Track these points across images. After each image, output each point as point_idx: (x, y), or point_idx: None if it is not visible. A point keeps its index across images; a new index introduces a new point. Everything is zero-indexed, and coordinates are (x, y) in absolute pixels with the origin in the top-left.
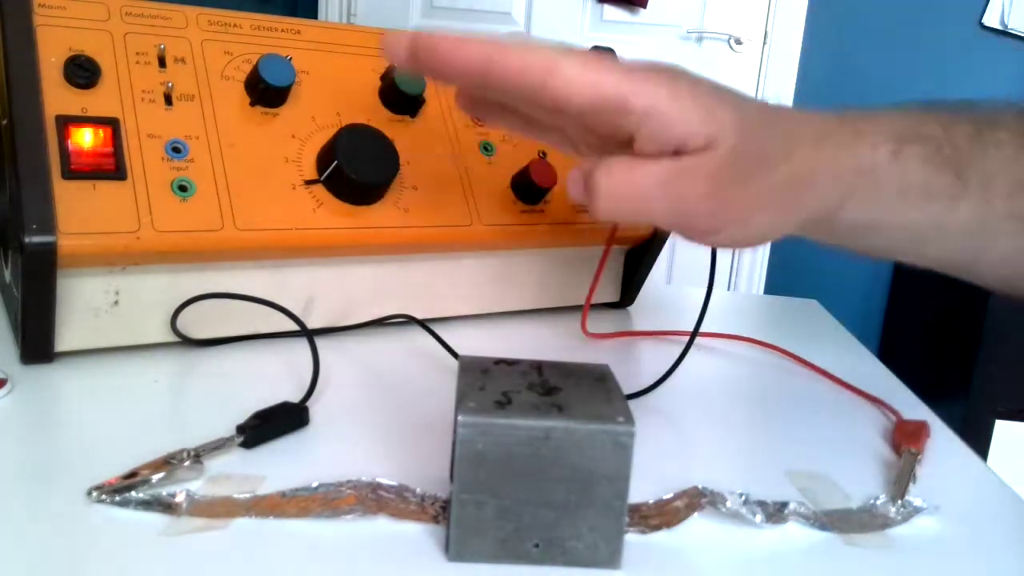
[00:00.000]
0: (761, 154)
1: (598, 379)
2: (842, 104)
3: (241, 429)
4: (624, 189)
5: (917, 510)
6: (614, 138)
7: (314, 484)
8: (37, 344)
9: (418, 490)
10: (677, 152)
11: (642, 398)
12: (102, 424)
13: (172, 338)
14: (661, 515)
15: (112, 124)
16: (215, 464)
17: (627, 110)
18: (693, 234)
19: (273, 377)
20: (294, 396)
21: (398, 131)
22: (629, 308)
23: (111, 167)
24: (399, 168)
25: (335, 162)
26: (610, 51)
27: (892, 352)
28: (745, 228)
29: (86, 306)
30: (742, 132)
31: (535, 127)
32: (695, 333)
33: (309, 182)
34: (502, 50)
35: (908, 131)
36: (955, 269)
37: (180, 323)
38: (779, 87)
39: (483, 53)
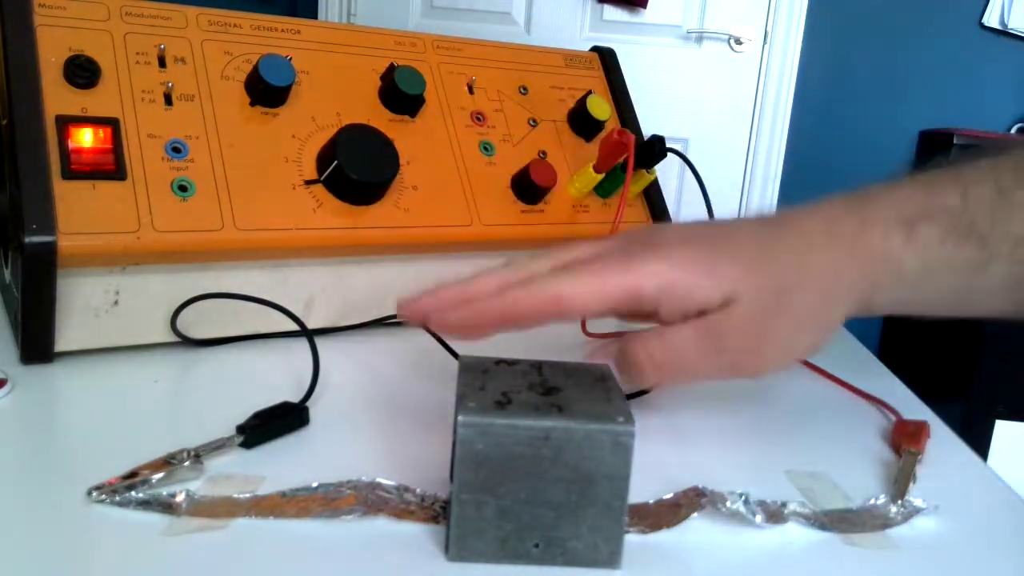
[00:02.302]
0: (780, 287)
1: (598, 379)
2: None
3: (241, 429)
4: (664, 357)
5: (917, 510)
6: (640, 316)
7: (314, 484)
8: (37, 344)
9: (418, 490)
10: (701, 313)
11: (642, 398)
12: (102, 424)
13: (172, 338)
14: (661, 515)
15: (112, 124)
16: (215, 464)
17: (641, 298)
18: (743, 375)
19: (273, 377)
20: (294, 396)
21: (398, 131)
22: None
23: (111, 167)
24: (399, 168)
25: (335, 162)
26: (610, 51)
27: (892, 352)
28: (791, 353)
29: (86, 306)
30: (754, 278)
31: None
32: None
33: (309, 182)
34: (511, 303)
35: (920, 208)
36: (1007, 317)
37: (180, 323)
38: (779, 87)
39: (495, 313)
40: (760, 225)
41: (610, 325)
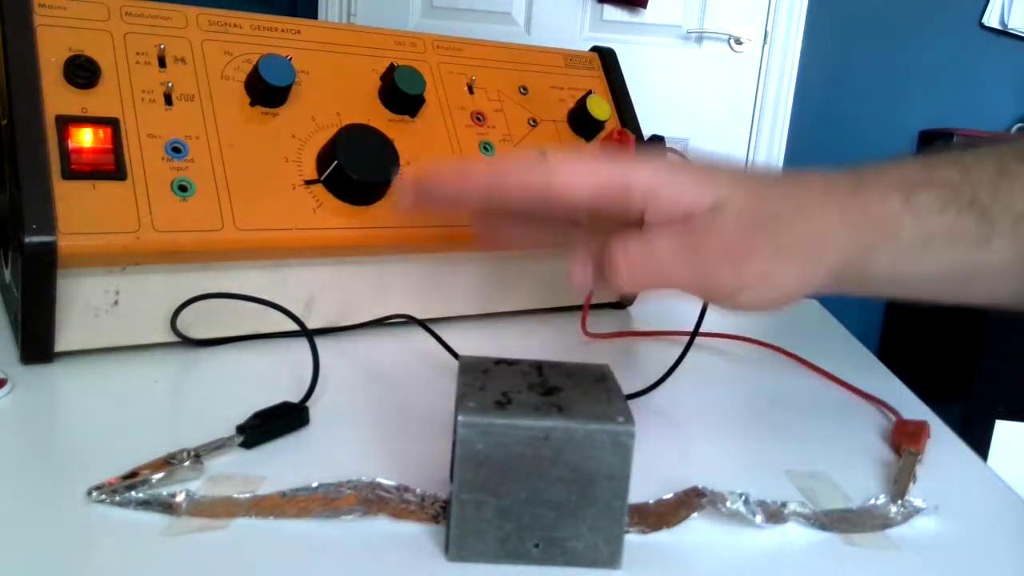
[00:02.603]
0: (772, 213)
1: (598, 379)
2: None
3: (241, 429)
4: (642, 258)
5: (917, 510)
6: (626, 221)
7: (314, 484)
8: (37, 344)
9: (418, 490)
10: (687, 220)
11: (642, 398)
12: (102, 424)
13: (172, 338)
14: (661, 515)
15: (112, 124)
16: (215, 464)
17: (629, 190)
18: (718, 295)
19: (273, 377)
20: (294, 396)
21: (398, 131)
22: (629, 308)
23: (111, 167)
24: (399, 168)
25: (335, 162)
26: (610, 51)
27: (892, 352)
28: (770, 283)
29: (86, 306)
30: (747, 194)
31: (552, 235)
32: (695, 333)
33: (309, 182)
34: (499, 171)
35: (919, 178)
36: (1010, 306)
37: (180, 323)
38: (779, 87)
39: (483, 180)
40: (768, 171)
41: (610, 325)
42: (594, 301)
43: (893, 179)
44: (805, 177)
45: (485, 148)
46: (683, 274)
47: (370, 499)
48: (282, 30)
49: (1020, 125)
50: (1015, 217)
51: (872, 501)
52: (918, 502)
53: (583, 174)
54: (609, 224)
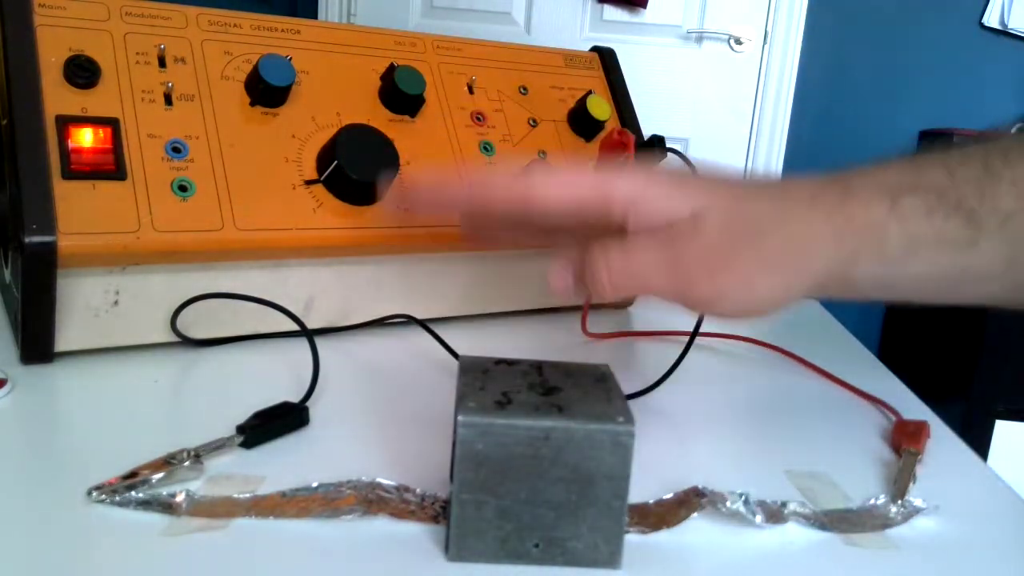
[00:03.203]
0: (754, 220)
1: (598, 379)
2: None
3: (241, 429)
4: (623, 267)
5: (917, 510)
6: (608, 229)
7: (314, 484)
8: (37, 344)
9: (418, 490)
10: (668, 229)
11: (642, 398)
12: (102, 424)
13: (172, 338)
14: (661, 515)
15: (112, 124)
16: (215, 464)
17: (610, 202)
18: (699, 303)
19: (273, 377)
20: (294, 396)
21: (398, 131)
22: (629, 308)
23: (111, 167)
24: (399, 168)
25: (335, 162)
26: (610, 51)
27: (892, 352)
28: (750, 291)
29: (86, 306)
30: (729, 203)
31: (538, 238)
32: (695, 333)
33: (309, 182)
34: (482, 182)
35: (904, 182)
36: (1002, 304)
37: (180, 323)
38: (779, 87)
39: (465, 191)
40: (752, 178)
41: (610, 325)
42: (594, 301)
43: (879, 184)
44: (789, 185)
45: (485, 148)
46: (663, 282)
47: (370, 499)
48: (282, 30)
49: (1020, 125)
50: (1001, 218)
51: (872, 501)
52: (918, 502)
53: (562, 187)
54: (591, 231)
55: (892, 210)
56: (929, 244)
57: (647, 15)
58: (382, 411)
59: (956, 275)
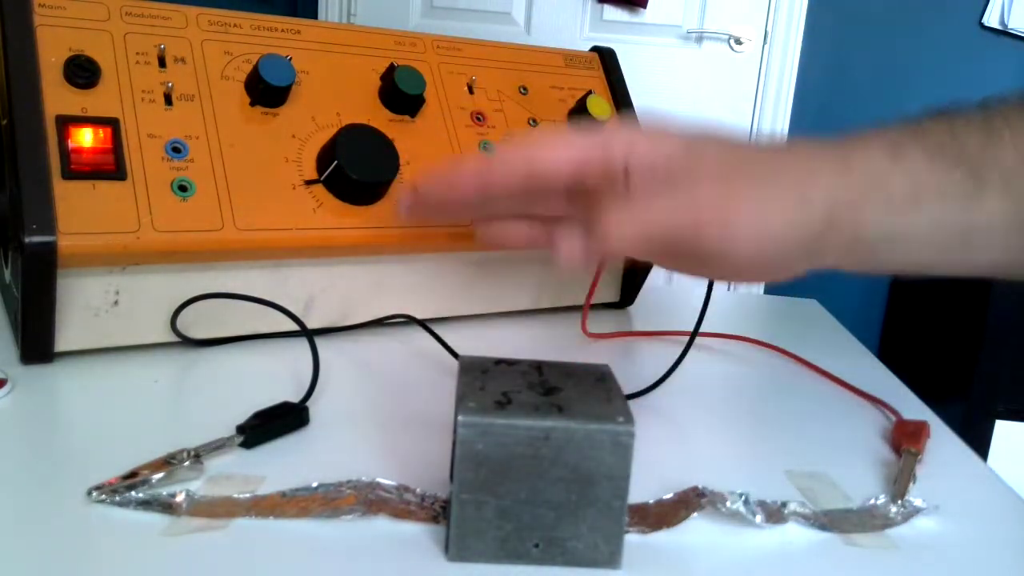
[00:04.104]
0: (750, 155)
1: (598, 379)
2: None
3: (241, 429)
4: (629, 214)
5: (917, 510)
6: (610, 193)
7: (314, 484)
8: (37, 344)
9: (418, 490)
10: (669, 166)
11: (642, 398)
12: (102, 424)
13: (172, 338)
14: (661, 515)
15: (112, 124)
16: (215, 464)
17: (610, 149)
18: (709, 235)
19: (273, 377)
20: (294, 396)
21: (398, 131)
22: (629, 308)
23: (111, 167)
24: (399, 168)
25: (335, 162)
26: (610, 51)
27: (892, 352)
28: (761, 221)
29: (86, 306)
30: (724, 141)
31: (544, 215)
32: (695, 333)
33: (309, 182)
34: (484, 161)
35: (905, 137)
36: (1009, 273)
37: (180, 323)
38: (779, 87)
39: (473, 172)
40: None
41: (610, 325)
42: (594, 301)
43: (880, 138)
44: (797, 140)
45: (485, 148)
46: (669, 217)
47: (370, 499)
48: (282, 30)
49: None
50: (1004, 173)
51: (872, 501)
52: (918, 502)
53: (562, 144)
54: (592, 200)
55: (894, 159)
56: (933, 194)
57: (647, 15)
58: (382, 411)
59: (962, 233)
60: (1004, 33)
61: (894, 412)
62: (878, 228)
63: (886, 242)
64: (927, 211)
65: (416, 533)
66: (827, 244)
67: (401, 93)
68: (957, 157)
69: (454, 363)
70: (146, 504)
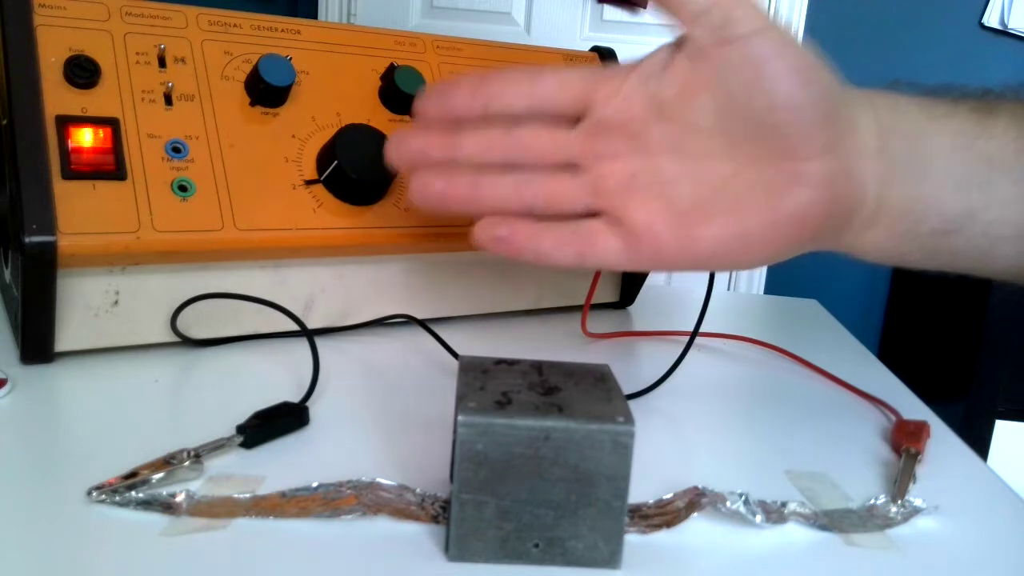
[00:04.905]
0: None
1: (598, 379)
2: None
3: (241, 429)
4: (626, 143)
5: (917, 510)
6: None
7: (314, 484)
8: (37, 344)
9: (418, 490)
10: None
11: (642, 398)
12: (102, 424)
13: (172, 338)
14: (661, 515)
15: (112, 124)
16: (215, 464)
17: (609, 74)
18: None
19: (273, 377)
20: (294, 396)
21: None
22: (629, 308)
23: (111, 167)
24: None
25: (335, 162)
26: (610, 51)
27: (892, 352)
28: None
29: (86, 306)
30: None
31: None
32: (695, 333)
33: (309, 182)
34: (485, 74)
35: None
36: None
37: (180, 323)
38: None
39: (471, 82)
40: None
41: (610, 325)
42: (594, 301)
43: (865, 96)
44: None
45: None
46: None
47: (370, 499)
48: (282, 30)
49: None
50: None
51: (872, 501)
52: (918, 502)
53: (566, 72)
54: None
55: (894, 109)
56: (944, 132)
57: (647, 15)
58: (382, 411)
59: (980, 190)
60: (1004, 33)
61: (894, 412)
62: (908, 191)
63: (913, 201)
64: (940, 165)
65: (416, 533)
66: (869, 213)
67: (401, 93)
68: (955, 101)
69: (454, 363)
70: (146, 504)
